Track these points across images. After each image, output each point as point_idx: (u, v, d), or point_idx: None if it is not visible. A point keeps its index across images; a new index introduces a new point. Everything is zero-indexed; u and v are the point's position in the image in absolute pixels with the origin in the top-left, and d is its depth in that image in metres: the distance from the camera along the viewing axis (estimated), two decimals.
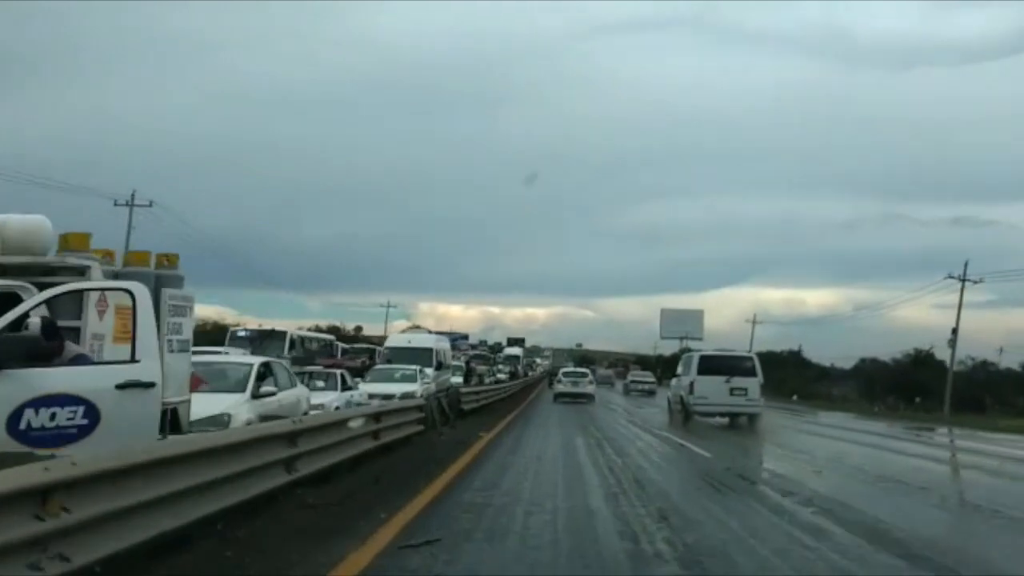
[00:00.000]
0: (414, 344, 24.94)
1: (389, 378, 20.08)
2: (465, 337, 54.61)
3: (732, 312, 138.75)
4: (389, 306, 67.56)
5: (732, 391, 20.96)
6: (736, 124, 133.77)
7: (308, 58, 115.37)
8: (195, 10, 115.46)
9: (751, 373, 21.35)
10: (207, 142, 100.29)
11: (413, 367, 20.90)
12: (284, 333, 26.36)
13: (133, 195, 35.17)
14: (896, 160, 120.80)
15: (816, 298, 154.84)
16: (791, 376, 59.00)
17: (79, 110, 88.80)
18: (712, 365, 21.49)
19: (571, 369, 40.33)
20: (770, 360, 57.99)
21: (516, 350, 65.77)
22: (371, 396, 16.50)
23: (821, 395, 53.26)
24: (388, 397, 16.01)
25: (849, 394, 54.04)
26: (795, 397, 47.93)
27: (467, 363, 34.74)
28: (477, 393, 23.46)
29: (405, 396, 16.35)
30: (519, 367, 56.05)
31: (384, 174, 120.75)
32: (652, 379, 51.02)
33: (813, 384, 57.79)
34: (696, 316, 61.61)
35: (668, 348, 62.23)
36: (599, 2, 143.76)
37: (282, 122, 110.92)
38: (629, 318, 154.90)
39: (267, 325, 31.73)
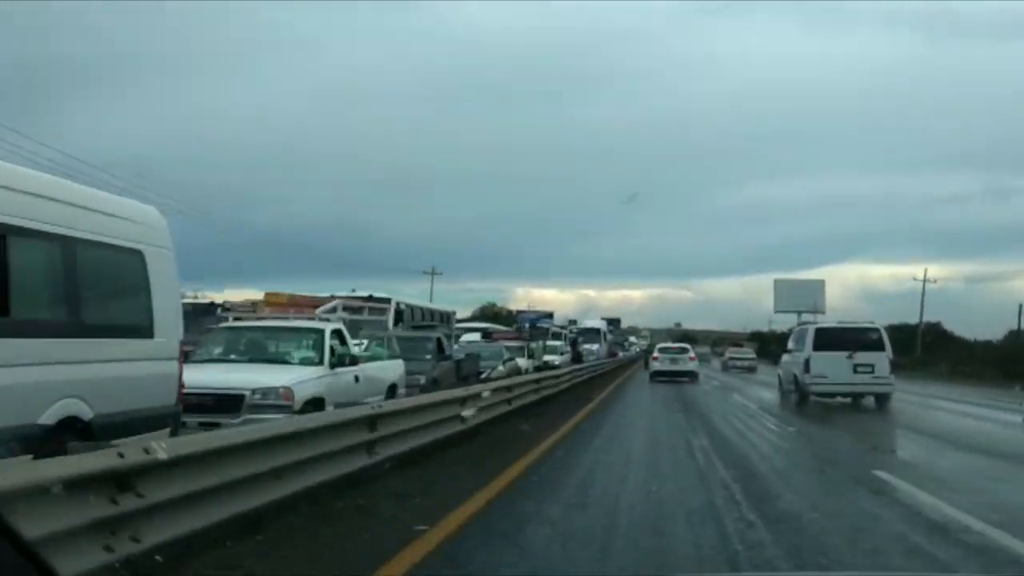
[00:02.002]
0: None
1: None
2: (550, 316, 51.18)
3: (837, 290, 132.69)
4: (434, 272, 54.68)
5: (856, 368, 18.53)
6: (838, 101, 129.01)
7: (405, 53, 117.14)
8: (298, 10, 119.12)
9: (878, 347, 18.80)
10: (306, 137, 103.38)
11: None
12: None
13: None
14: (1003, 133, 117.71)
15: (922, 274, 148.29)
16: (931, 350, 53.73)
17: (190, 109, 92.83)
18: (830, 339, 19.05)
19: (668, 345, 35.80)
20: (907, 334, 52.42)
21: (598, 323, 51.98)
22: None
23: None
24: None
25: None
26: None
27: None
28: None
29: None
30: (599, 346, 43.47)
31: (483, 162, 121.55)
32: (752, 355, 49.90)
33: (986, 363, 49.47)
34: (816, 287, 55.51)
35: (783, 324, 58.15)
36: None
37: (380, 117, 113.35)
38: (729, 297, 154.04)
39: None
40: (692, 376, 29.38)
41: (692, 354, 31.82)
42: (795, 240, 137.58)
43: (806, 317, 43.36)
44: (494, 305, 58.47)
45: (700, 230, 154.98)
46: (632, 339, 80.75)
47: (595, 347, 42.01)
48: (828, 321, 23.04)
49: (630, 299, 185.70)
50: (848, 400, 19.16)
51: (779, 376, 22.69)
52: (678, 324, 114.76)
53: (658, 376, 29.60)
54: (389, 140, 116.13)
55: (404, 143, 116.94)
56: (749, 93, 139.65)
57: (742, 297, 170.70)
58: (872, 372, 18.51)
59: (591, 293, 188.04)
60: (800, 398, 19.30)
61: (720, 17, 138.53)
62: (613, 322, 73.49)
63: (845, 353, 18.53)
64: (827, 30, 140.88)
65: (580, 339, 40.84)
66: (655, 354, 32.51)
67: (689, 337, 77.56)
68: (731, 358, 49.58)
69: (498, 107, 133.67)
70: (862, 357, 18.55)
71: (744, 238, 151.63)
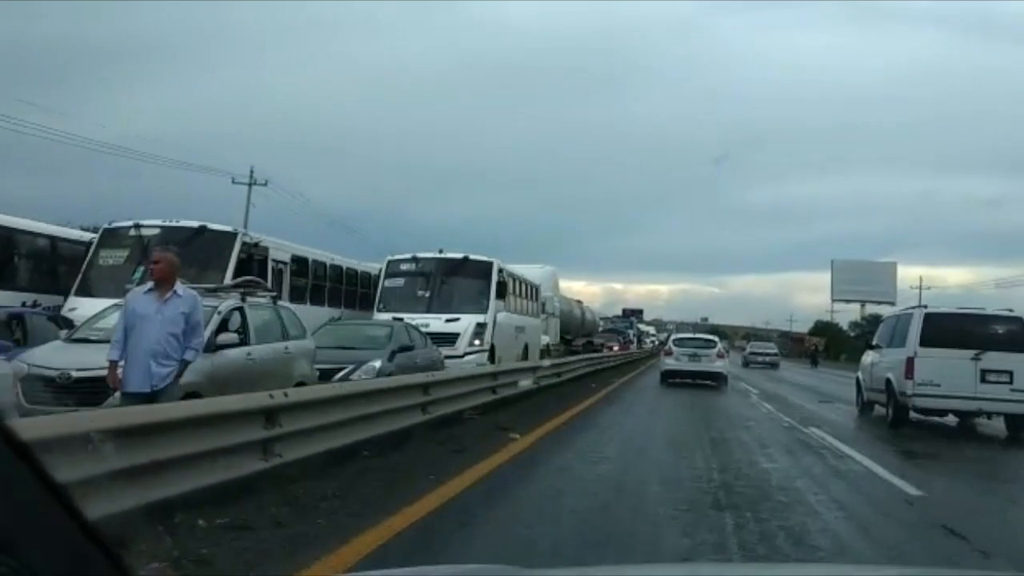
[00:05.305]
0: None
1: None
2: None
3: None
4: (252, 182, 37.40)
5: (985, 375, 13.16)
6: (873, 100, 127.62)
7: (444, 45, 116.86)
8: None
9: (1019, 345, 13.45)
10: (349, 127, 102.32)
11: None
12: None
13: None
14: None
15: (954, 276, 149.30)
16: None
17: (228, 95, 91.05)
18: (947, 330, 13.56)
19: (688, 336, 27.98)
20: None
21: (536, 270, 26.45)
22: None
23: None
24: None
25: None
26: None
27: None
28: None
29: None
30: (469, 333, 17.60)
31: (512, 156, 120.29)
32: (774, 351, 51.19)
33: None
34: (885, 269, 46.32)
35: (845, 315, 51.76)
36: None
37: (416, 108, 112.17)
38: (757, 294, 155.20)
39: None
40: (718, 379, 22.78)
41: (720, 350, 24.59)
42: (825, 239, 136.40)
43: (868, 307, 37.60)
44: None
45: (730, 227, 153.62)
46: (648, 329, 71.71)
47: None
48: (943, 306, 17.28)
49: (657, 293, 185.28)
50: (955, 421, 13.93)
51: (858, 381, 17.30)
52: (705, 319, 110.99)
53: (672, 377, 22.90)
54: (414, 134, 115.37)
55: (434, 136, 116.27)
56: (779, 91, 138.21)
57: (770, 294, 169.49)
58: (1010, 382, 13.07)
59: (618, 287, 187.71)
60: (895, 415, 13.98)
61: (744, 14, 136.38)
62: (635, 313, 67.82)
63: (970, 353, 13.18)
64: (860, 29, 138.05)
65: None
66: (669, 347, 25.27)
67: (718, 331, 70.95)
68: (752, 353, 49.66)
69: (531, 103, 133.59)
70: (994, 360, 13.09)
71: (774, 235, 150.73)
